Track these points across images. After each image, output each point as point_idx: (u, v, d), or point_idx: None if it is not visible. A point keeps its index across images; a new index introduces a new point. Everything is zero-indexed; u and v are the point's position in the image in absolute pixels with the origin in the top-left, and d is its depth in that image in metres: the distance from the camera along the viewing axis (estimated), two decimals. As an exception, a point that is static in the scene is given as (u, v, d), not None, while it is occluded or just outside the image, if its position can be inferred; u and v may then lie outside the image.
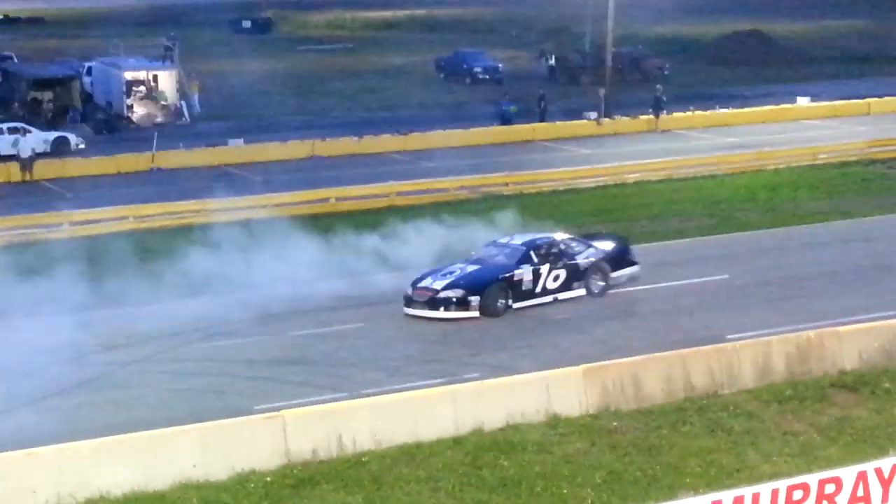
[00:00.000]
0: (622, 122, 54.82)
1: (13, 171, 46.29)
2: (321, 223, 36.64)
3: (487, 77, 69.46)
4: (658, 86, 56.09)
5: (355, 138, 51.03)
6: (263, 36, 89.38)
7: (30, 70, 62.29)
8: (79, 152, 50.08)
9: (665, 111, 54.44)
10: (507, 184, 42.92)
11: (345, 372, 25.10)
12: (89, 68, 61.92)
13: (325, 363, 25.73)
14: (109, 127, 56.03)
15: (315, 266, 31.63)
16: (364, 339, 27.19)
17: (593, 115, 55.31)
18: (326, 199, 40.68)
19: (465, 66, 70.33)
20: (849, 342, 24.54)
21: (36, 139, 49.52)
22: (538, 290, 28.79)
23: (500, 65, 71.28)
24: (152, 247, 35.04)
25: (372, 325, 28.09)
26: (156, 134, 50.55)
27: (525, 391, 22.39)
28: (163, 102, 58.44)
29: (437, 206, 39.30)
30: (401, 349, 26.45)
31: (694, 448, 20.99)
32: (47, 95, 58.44)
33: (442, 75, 71.19)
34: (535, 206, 38.05)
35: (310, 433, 20.80)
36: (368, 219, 37.35)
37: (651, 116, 54.39)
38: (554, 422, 21.99)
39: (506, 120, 55.31)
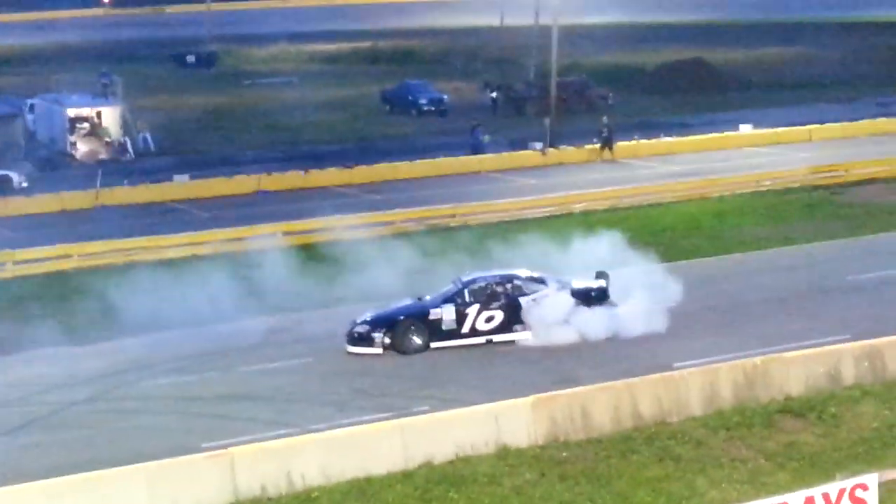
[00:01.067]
0: (568, 151, 55.02)
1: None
2: (266, 258, 36.49)
3: (433, 109, 69.56)
4: (604, 117, 56.30)
5: (301, 172, 50.94)
6: (208, 70, 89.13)
7: (-29, 108, 61.84)
8: (22, 190, 49.70)
9: (613, 142, 54.56)
10: (454, 215, 42.97)
11: (293, 407, 25.00)
12: (32, 105, 61.56)
13: (273, 399, 25.61)
14: (52, 164, 55.65)
15: (260, 301, 31.55)
16: (312, 374, 27.10)
17: (539, 145, 55.42)
18: (273, 234, 40.46)
19: (410, 98, 70.42)
20: (795, 368, 24.74)
21: (-22, 177, 49.12)
22: (465, 330, 28.35)
23: (446, 96, 71.42)
24: (96, 285, 34.75)
25: (319, 359, 28.01)
26: (100, 171, 50.29)
27: (474, 423, 22.42)
28: (107, 139, 58.12)
29: (384, 239, 39.27)
30: (349, 384, 26.37)
31: (643, 477, 21.08)
32: (-11, 132, 58.05)
33: (387, 107, 71.24)
34: (481, 238, 38.08)
35: (258, 470, 20.74)
36: (313, 253, 37.24)
37: (598, 147, 54.50)
38: (503, 453, 22.03)
39: (477, 149, 55.45)
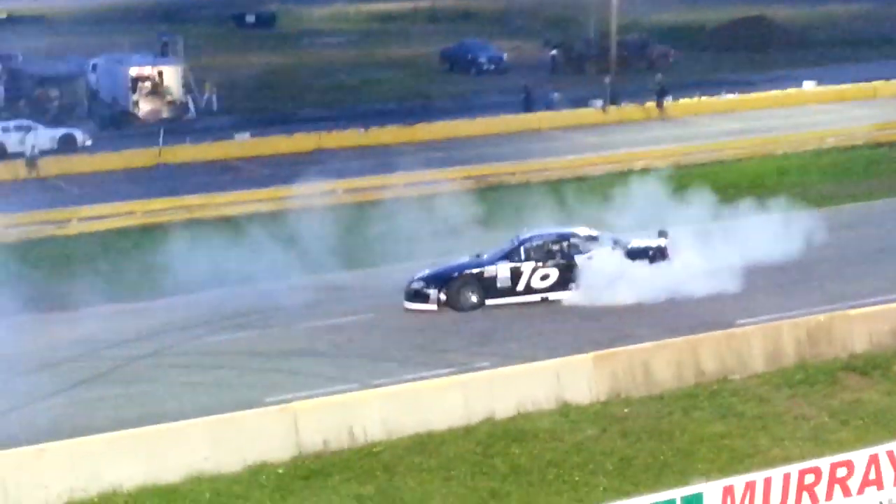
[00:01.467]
0: (628, 109, 54.73)
1: (20, 169, 46.31)
2: (328, 214, 36.54)
3: (493, 68, 69.33)
4: (658, 74, 55.86)
5: (361, 130, 50.97)
6: (267, 30, 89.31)
7: (35, 68, 62.26)
8: (85, 149, 50.10)
9: (667, 98, 54.26)
10: (514, 173, 42.87)
11: (355, 363, 25.08)
12: (94, 65, 61.83)
13: (336, 355, 25.72)
14: (115, 123, 56.04)
15: (327, 257, 31.65)
16: (374, 331, 27.17)
17: (599, 103, 55.23)
18: (335, 192, 40.57)
19: (469, 58, 70.22)
20: (859, 325, 24.50)
21: (42, 136, 49.54)
22: (520, 288, 28.31)
23: (505, 55, 71.15)
24: (159, 242, 35.01)
25: (381, 316, 28.06)
26: (162, 129, 50.55)
27: (535, 379, 22.39)
28: (168, 98, 58.43)
29: (446, 196, 39.24)
30: (410, 340, 26.42)
31: (705, 433, 20.98)
32: (53, 93, 58.46)
33: (447, 66, 71.08)
34: (542, 195, 37.91)
35: (321, 424, 20.83)
36: (376, 210, 37.28)
37: (654, 105, 54.23)
38: (565, 409, 22.00)
39: (549, 106, 55.22)
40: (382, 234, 33.03)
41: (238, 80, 66.20)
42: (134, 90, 58.23)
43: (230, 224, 36.63)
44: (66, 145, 50.22)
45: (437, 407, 21.58)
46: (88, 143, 50.87)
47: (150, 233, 36.58)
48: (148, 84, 58.49)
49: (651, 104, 54.52)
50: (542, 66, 69.67)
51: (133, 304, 29.41)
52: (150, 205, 39.18)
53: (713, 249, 29.04)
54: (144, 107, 58.17)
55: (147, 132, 52.36)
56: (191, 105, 58.65)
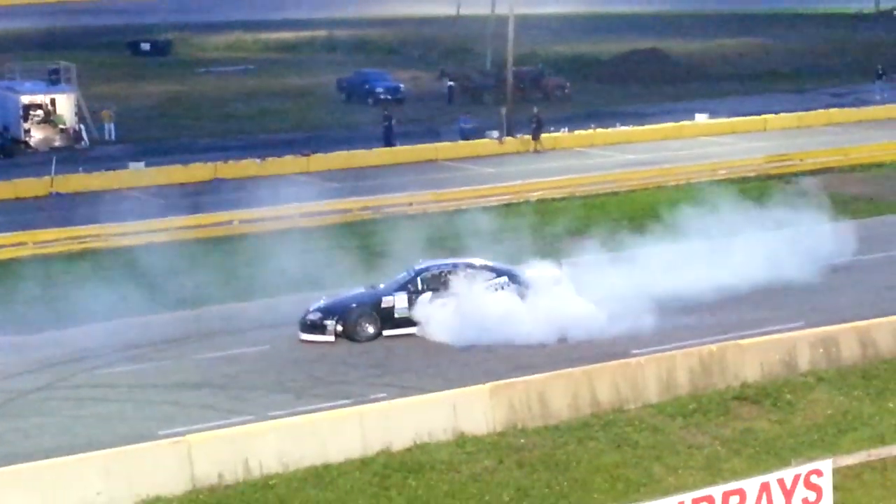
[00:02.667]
0: (524, 140, 55.09)
1: None
2: (224, 246, 36.42)
3: (389, 97, 69.40)
4: (535, 108, 56.19)
5: (258, 160, 50.77)
6: (163, 58, 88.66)
7: (-78, 94, 61.20)
8: (-27, 178, 49.26)
9: (541, 132, 54.68)
10: (410, 203, 42.94)
11: (250, 395, 24.92)
12: (-16, 92, 60.97)
13: (231, 387, 25.51)
14: (6, 151, 55.22)
15: (222, 288, 31.49)
16: (269, 362, 27.01)
17: (495, 134, 55.59)
18: (230, 222, 40.40)
19: (366, 87, 70.26)
20: (750, 355, 24.87)
21: (-70, 164, 48.67)
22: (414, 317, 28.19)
23: (402, 85, 71.35)
24: (51, 273, 34.54)
25: (277, 347, 27.91)
26: (54, 158, 49.89)
27: (432, 411, 22.41)
28: (61, 126, 57.70)
29: (341, 227, 39.30)
30: (306, 371, 26.30)
31: (601, 463, 21.14)
32: (-59, 120, 57.53)
33: (343, 96, 71.09)
34: (439, 226, 38.06)
35: (215, 457, 20.64)
36: (270, 241, 37.14)
37: (529, 137, 54.59)
38: (461, 440, 22.04)
39: (465, 136, 55.38)
40: (277, 265, 32.90)
41: (133, 109, 65.62)
42: (26, 118, 57.43)
43: (124, 255, 36.24)
44: (-44, 174, 49.33)
45: (333, 439, 21.52)
46: (-23, 172, 50.00)
47: (41, 264, 36.00)
48: (40, 112, 57.74)
49: (525, 137, 54.92)
50: (441, 97, 69.97)
51: (24, 337, 28.95)
52: (42, 235, 38.60)
53: (608, 280, 29.26)
54: (36, 135, 57.39)
55: (39, 161, 51.66)
56: (84, 134, 57.97)
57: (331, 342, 27.96)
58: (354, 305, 28.33)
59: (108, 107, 60.38)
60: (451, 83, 70.68)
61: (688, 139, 55.85)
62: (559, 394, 23.27)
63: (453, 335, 27.54)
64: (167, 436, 21.63)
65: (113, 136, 58.75)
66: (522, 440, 22.12)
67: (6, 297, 32.61)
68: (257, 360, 27.14)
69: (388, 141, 55.39)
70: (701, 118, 59.42)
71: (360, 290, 29.05)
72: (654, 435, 22.28)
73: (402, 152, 53.13)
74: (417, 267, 28.97)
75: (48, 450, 21.61)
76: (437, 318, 27.95)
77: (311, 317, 28.31)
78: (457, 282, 28.27)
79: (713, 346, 24.94)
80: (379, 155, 52.44)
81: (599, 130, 56.89)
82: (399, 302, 28.28)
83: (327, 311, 28.31)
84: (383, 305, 28.24)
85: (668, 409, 23.36)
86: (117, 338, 28.71)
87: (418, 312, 28.16)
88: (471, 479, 20.63)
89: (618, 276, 29.43)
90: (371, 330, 28.15)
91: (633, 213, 40.94)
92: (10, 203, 45.16)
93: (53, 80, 60.24)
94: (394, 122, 56.64)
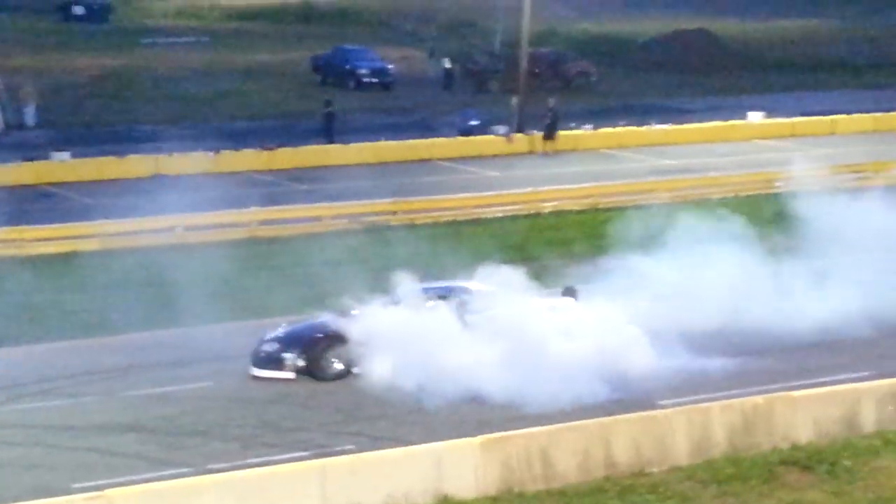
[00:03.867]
0: (537, 138, 55.20)
1: None
2: (163, 256, 36.45)
3: (375, 80, 69.62)
4: (551, 99, 56.23)
5: (210, 154, 50.85)
6: (100, 25, 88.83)
7: None
8: None
9: (557, 129, 54.82)
10: (395, 212, 43.03)
11: (187, 442, 24.92)
12: None
13: (164, 431, 25.50)
14: None
15: (158, 309, 31.53)
16: (212, 402, 27.01)
17: (503, 129, 55.68)
18: (172, 229, 40.47)
19: (347, 67, 70.50)
20: (803, 410, 24.89)
21: None
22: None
23: (391, 66, 71.52)
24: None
25: (222, 384, 27.93)
26: (-39, 145, 50.09)
27: (410, 467, 22.42)
28: (-30, 106, 57.93)
29: (309, 238, 39.34)
30: (257, 414, 26.31)
31: (614, 538, 21.19)
32: None
33: (319, 78, 71.25)
34: (429, 241, 38.13)
35: (141, 519, 20.63)
36: (221, 253, 37.23)
37: (542, 137, 54.75)
38: (445, 505, 22.05)
39: (465, 132, 55.62)
40: (226, 282, 32.95)
41: (61, 86, 65.82)
42: (-72, 95, 57.70)
43: (41, 264, 36.31)
44: None
45: (288, 499, 21.50)
46: None
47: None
48: (-54, 88, 58.00)
49: (576, 132, 55.18)
50: (437, 81, 70.19)
51: None
52: (-58, 238, 38.70)
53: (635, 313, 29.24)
54: (-60, 116, 57.63)
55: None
56: (-1, 116, 58.17)
57: (290, 379, 27.93)
58: (320, 336, 28.34)
59: (28, 84, 60.38)
60: (449, 65, 70.80)
61: (738, 142, 56.00)
62: (567, 451, 23.28)
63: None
64: (83, 490, 21.57)
65: (33, 120, 58.79)
66: (520, 507, 22.15)
67: None
68: (197, 399, 27.15)
69: (329, 135, 55.38)
70: (755, 117, 59.59)
71: (325, 316, 29.05)
72: (683, 505, 22.30)
73: (389, 150, 53.26)
74: (402, 289, 28.99)
75: (-65, 503, 21.62)
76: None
77: (267, 348, 28.35)
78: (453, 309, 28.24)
79: (758, 399, 24.95)
80: (359, 152, 52.52)
81: (630, 129, 57.05)
82: None
83: (287, 342, 28.34)
84: (352, 337, 28.20)
85: (699, 473, 23.37)
86: (27, 367, 28.73)
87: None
88: (455, 553, 20.67)
89: (645, 308, 29.43)
90: (339, 366, 28.16)
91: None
92: None
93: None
94: (334, 110, 56.65)
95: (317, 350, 28.20)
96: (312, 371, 28.11)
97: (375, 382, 27.25)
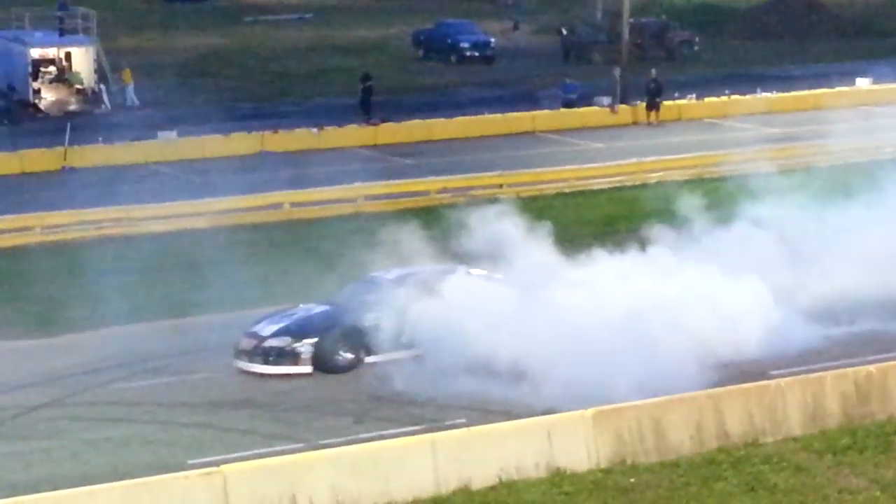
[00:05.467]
0: (641, 109, 54.97)
1: None
2: (272, 233, 36.74)
3: (476, 54, 69.52)
4: (652, 70, 55.89)
5: (314, 130, 51.08)
6: (201, 5, 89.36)
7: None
8: (-26, 147, 50.09)
9: (660, 100, 54.51)
10: (501, 185, 43.01)
11: (300, 418, 25.08)
12: (-14, 44, 61.85)
13: (276, 407, 25.72)
14: (12, 116, 55.98)
15: (269, 286, 31.69)
16: (324, 378, 27.15)
17: (607, 100, 55.52)
18: (279, 205, 40.74)
19: (449, 41, 70.41)
20: (920, 378, 24.67)
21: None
22: (404, 339, 27.39)
23: (493, 40, 71.38)
24: (62, 264, 35.01)
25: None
26: (69, 125, 50.51)
27: (522, 440, 22.42)
28: (77, 86, 58.38)
29: (416, 212, 39.36)
30: (369, 389, 26.41)
31: (729, 509, 21.08)
32: (-66, 77, 58.43)
33: (421, 52, 71.28)
34: (535, 212, 38.02)
35: (256, 492, 20.81)
36: (327, 228, 37.42)
37: (644, 107, 54.47)
38: (557, 478, 22.04)
39: (568, 104, 55.66)
40: (340, 256, 32.91)
41: (164, 67, 66.23)
42: (35, 76, 58.18)
43: (151, 243, 36.65)
44: (-50, 142, 50.18)
45: (400, 473, 21.60)
46: (-23, 140, 50.82)
47: (51, 253, 36.52)
48: (53, 69, 58.47)
49: (675, 102, 54.87)
50: (536, 53, 69.98)
51: (29, 341, 29.36)
52: (53, 218, 39.10)
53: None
54: (48, 96, 58.13)
55: (51, 128, 52.31)
56: (105, 96, 58.59)
57: (308, 373, 27.32)
58: (332, 325, 27.66)
59: (127, 65, 60.63)
60: (566, 33, 70.46)
61: (846, 109, 55.28)
62: (679, 422, 23.21)
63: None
64: (198, 465, 21.81)
65: (134, 101, 59.18)
66: (632, 479, 22.09)
67: (8, 293, 33.09)
68: (309, 375, 27.29)
69: (366, 109, 55.35)
70: (863, 83, 58.85)
71: (314, 306, 28.36)
72: (797, 476, 22.16)
73: (493, 123, 53.23)
74: (388, 276, 28.50)
75: (55, 480, 21.86)
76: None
77: (274, 342, 27.38)
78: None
79: (872, 368, 24.73)
80: (463, 125, 52.52)
81: (735, 97, 56.55)
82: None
83: (297, 333, 27.54)
84: (366, 324, 27.59)
85: (814, 443, 23.24)
86: (141, 345, 29.05)
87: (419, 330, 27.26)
88: (568, 525, 20.69)
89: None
90: (350, 356, 27.55)
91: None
92: (16, 179, 45.82)
93: (63, 24, 60.74)
94: (373, 84, 56.55)
95: (330, 340, 27.51)
96: (322, 363, 27.39)
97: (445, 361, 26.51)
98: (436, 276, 28.13)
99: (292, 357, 27.38)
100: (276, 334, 27.56)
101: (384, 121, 52.65)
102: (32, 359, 28.50)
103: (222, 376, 27.42)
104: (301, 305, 28.62)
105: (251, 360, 27.44)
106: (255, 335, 27.70)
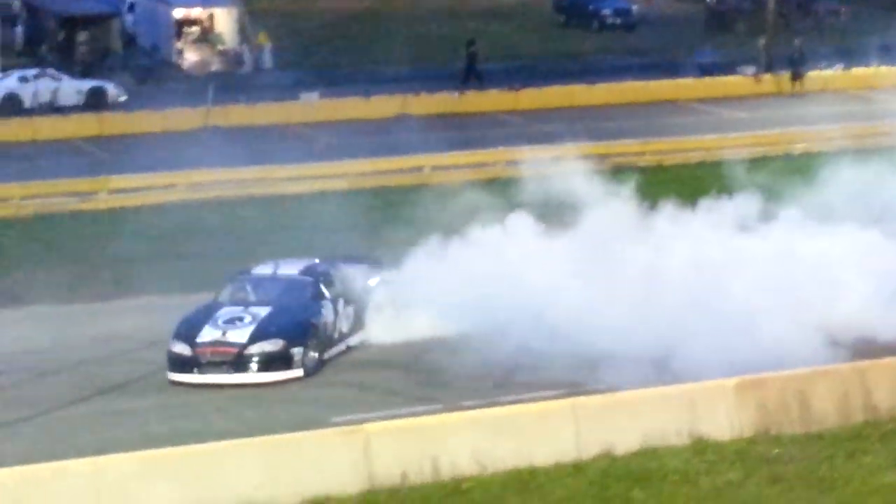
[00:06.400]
0: (784, 79, 54.42)
1: (40, 127, 46.98)
2: (412, 196, 36.76)
3: (618, 21, 69.20)
4: (797, 40, 55.25)
5: (455, 94, 51.12)
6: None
7: (60, 6, 62.97)
8: (118, 105, 50.68)
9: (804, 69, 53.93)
10: (643, 153, 42.81)
11: (443, 379, 25.16)
12: (132, 4, 62.56)
13: (418, 368, 25.84)
14: (155, 75, 56.60)
15: (401, 248, 31.64)
16: (467, 341, 27.03)
17: (750, 69, 55.07)
18: (420, 168, 40.85)
19: (590, 8, 70.20)
20: None
21: (67, 89, 50.25)
22: (336, 334, 26.65)
23: (634, 6, 71.01)
24: (203, 222, 35.38)
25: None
26: (211, 85, 50.98)
27: (665, 408, 22.30)
28: (220, 47, 58.92)
29: (561, 178, 39.21)
30: (511, 355, 26.29)
31: (877, 484, 20.77)
32: (81, 37, 59.07)
33: (562, 18, 71.07)
34: (678, 181, 37.88)
35: (399, 452, 20.87)
36: (465, 193, 37.33)
37: (789, 78, 53.89)
38: (700, 446, 21.88)
39: (705, 72, 55.33)
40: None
41: (304, 28, 66.57)
42: (179, 36, 58.81)
43: (291, 203, 36.90)
44: (96, 101, 50.81)
45: (541, 436, 21.56)
46: (122, 98, 51.48)
47: (192, 210, 36.90)
48: (196, 29, 59.08)
49: (821, 73, 54.28)
50: (677, 22, 69.43)
51: (175, 297, 29.61)
52: (195, 176, 39.56)
53: None
54: (191, 57, 58.75)
55: (193, 88, 52.82)
56: (247, 56, 59.05)
57: (299, 377, 25.74)
58: (307, 325, 26.16)
59: (268, 27, 60.94)
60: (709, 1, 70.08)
61: None
62: (824, 394, 22.94)
63: None
64: (342, 423, 21.93)
65: (270, 61, 59.47)
66: (776, 450, 21.86)
67: (152, 247, 33.44)
68: (452, 337, 26.96)
69: (468, 76, 55.01)
70: None
71: (230, 307, 26.58)
72: (948, 452, 21.88)
73: (634, 90, 53.03)
74: (299, 268, 27.60)
75: (196, 433, 22.14)
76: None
77: (266, 347, 25.47)
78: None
79: None
80: (604, 93, 52.37)
81: (883, 69, 55.73)
82: (328, 316, 26.56)
83: (287, 335, 25.75)
84: (324, 321, 26.52)
85: (965, 420, 22.87)
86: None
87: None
88: (711, 493, 20.50)
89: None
90: (315, 356, 26.12)
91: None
92: (159, 137, 46.32)
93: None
94: (477, 50, 56.19)
95: (312, 340, 26.07)
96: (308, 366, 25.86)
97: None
98: (336, 268, 27.56)
99: (285, 362, 25.56)
100: (258, 337, 25.52)
101: (525, 86, 52.55)
102: (177, 314, 28.69)
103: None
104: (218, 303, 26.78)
105: (237, 369, 25.36)
106: (224, 344, 25.39)
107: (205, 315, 26.16)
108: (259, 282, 27.36)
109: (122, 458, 20.26)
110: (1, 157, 43.57)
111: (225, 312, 26.20)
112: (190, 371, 25.34)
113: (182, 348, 25.49)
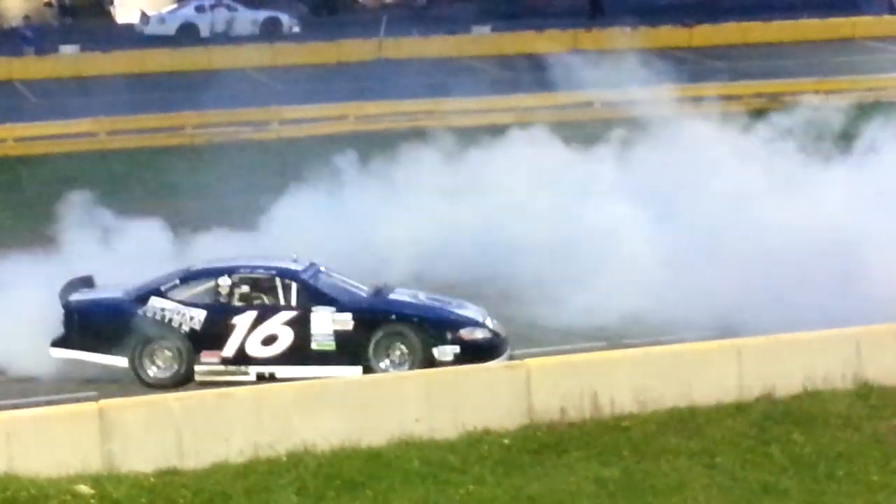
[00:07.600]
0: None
1: (214, 56, 47.56)
2: (574, 130, 36.64)
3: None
4: None
5: (627, 29, 50.74)
6: None
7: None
8: (292, 36, 51.08)
9: None
10: (816, 91, 42.10)
11: (605, 318, 25.04)
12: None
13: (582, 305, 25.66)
14: (329, 7, 56.94)
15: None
16: (633, 286, 26.91)
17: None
18: (589, 104, 40.66)
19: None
20: None
21: (242, 19, 50.75)
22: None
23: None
24: (376, 153, 35.54)
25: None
26: (385, 17, 51.14)
27: (829, 350, 22.04)
28: (394, -21, 59.17)
29: (728, 117, 38.79)
30: (673, 298, 26.13)
31: None
32: (257, -33, 59.65)
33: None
34: (852, 122, 37.14)
35: (559, 388, 20.89)
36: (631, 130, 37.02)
37: None
38: (864, 391, 21.62)
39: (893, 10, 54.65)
40: (631, 163, 32.46)
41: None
42: (353, -32, 59.11)
43: (461, 136, 36.88)
44: (270, 31, 51.26)
45: (702, 376, 21.46)
46: (296, 29, 51.91)
47: (364, 140, 37.09)
48: (370, -40, 59.33)
49: None
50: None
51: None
52: (367, 108, 39.84)
53: None
54: (365, -12, 59.03)
55: (367, 20, 53.05)
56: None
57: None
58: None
59: None
60: None
61: None
62: None
63: None
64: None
65: None
66: (944, 396, 21.58)
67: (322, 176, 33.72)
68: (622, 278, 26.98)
69: (594, 12, 54.24)
70: None
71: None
72: None
73: (811, 28, 52.23)
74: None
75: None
76: None
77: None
78: None
79: None
80: (780, 30, 51.66)
81: None
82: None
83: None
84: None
85: None
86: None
87: None
88: (873, 440, 20.22)
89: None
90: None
91: None
92: (333, 68, 46.67)
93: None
94: None
95: None
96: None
97: None
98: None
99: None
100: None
101: (699, 23, 52.01)
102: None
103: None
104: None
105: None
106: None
107: None
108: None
109: (284, 386, 20.61)
110: (175, 85, 44.22)
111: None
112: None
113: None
